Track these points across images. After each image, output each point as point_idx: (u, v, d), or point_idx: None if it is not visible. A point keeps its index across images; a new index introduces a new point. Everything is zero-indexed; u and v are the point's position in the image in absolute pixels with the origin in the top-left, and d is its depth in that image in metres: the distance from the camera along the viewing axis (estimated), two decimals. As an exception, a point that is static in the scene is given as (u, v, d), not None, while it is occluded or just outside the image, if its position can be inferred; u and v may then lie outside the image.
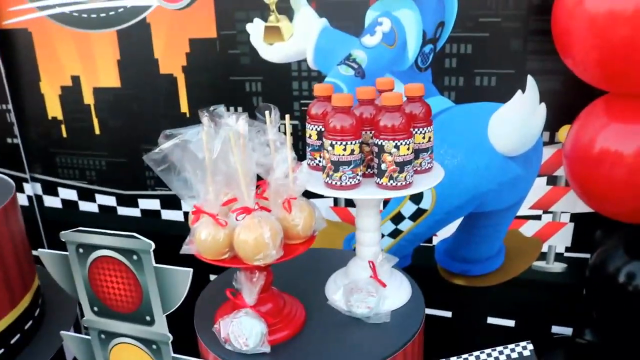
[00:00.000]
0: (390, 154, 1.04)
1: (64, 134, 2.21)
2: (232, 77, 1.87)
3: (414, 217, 1.84)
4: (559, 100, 1.58)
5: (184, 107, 1.98)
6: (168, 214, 2.14)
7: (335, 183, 1.08)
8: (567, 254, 1.75)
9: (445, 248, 1.86)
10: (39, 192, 2.36)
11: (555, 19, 1.36)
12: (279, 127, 1.10)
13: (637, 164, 1.34)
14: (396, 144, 1.03)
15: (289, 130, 1.06)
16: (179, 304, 1.09)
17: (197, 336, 1.20)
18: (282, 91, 1.82)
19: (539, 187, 1.70)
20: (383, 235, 1.88)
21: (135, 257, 1.09)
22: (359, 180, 1.09)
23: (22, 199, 2.40)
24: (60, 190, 2.32)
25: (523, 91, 1.58)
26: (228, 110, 1.07)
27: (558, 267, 1.77)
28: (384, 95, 1.04)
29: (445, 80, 1.66)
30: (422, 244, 1.88)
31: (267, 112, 1.07)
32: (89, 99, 2.11)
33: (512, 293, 1.84)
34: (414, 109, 1.12)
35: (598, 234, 1.68)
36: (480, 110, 1.66)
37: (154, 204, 2.15)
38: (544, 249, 1.76)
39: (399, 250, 1.89)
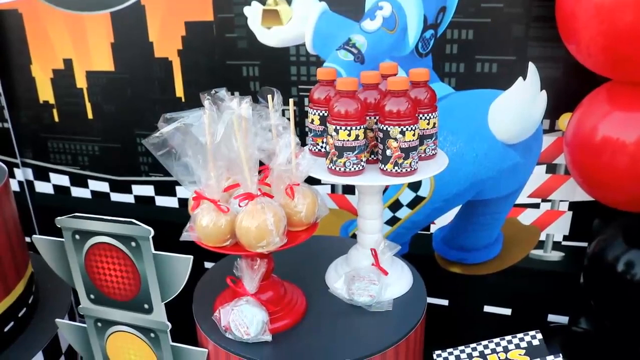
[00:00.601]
0: (396, 139, 1.02)
1: (56, 119, 2.16)
2: (228, 62, 1.83)
3: (412, 204, 1.83)
4: (559, 87, 1.57)
5: (179, 92, 1.94)
6: (162, 201, 2.11)
7: (339, 169, 1.06)
8: (564, 243, 1.75)
9: (443, 236, 1.86)
10: (30, 177, 2.32)
11: (560, 4, 1.34)
12: (282, 112, 1.07)
13: (639, 152, 1.33)
14: (402, 129, 1.01)
15: (292, 114, 1.03)
16: (178, 292, 1.07)
17: (196, 324, 1.18)
18: (280, 76, 1.79)
19: (538, 175, 1.69)
20: (380, 223, 1.87)
21: (133, 243, 1.07)
22: (363, 166, 1.07)
23: (13, 185, 2.34)
24: (52, 175, 2.28)
25: (524, 78, 1.56)
26: (232, 94, 1.03)
27: (555, 255, 1.77)
28: (390, 79, 1.02)
29: (446, 66, 1.64)
30: (419, 232, 1.87)
31: (269, 96, 1.04)
32: (81, 82, 2.07)
33: (509, 281, 1.84)
34: (418, 94, 1.10)
35: (596, 222, 1.68)
36: (481, 97, 1.64)
37: (148, 190, 2.12)
38: (542, 237, 1.76)
39: (396, 238, 1.88)
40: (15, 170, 2.32)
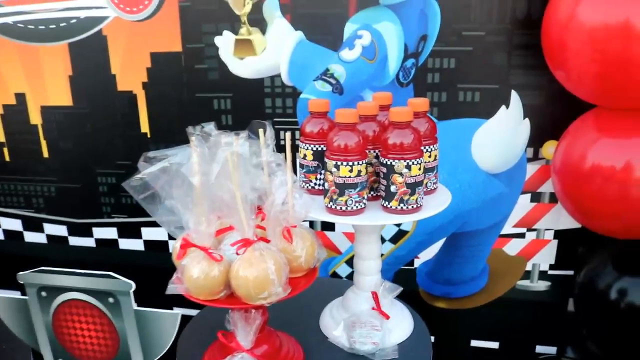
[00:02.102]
0: (401, 174, 0.95)
1: (7, 158, 2.00)
2: (198, 94, 1.74)
3: (394, 239, 1.76)
4: (543, 115, 1.55)
5: (145, 127, 1.82)
6: (127, 243, 1.96)
7: (340, 208, 0.97)
8: (550, 272, 1.72)
9: (427, 270, 1.79)
10: (-23, 223, 2.13)
11: (547, 32, 1.32)
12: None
13: (629, 179, 1.31)
14: (407, 163, 0.95)
15: (289, 150, 0.95)
16: (164, 352, 0.95)
17: (182, 386, 1.06)
18: (254, 109, 1.71)
19: (523, 205, 1.66)
20: (363, 259, 1.79)
21: (111, 299, 0.95)
22: (364, 204, 0.99)
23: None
24: (2, 220, 2.09)
25: (507, 107, 1.54)
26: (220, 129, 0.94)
27: (542, 285, 1.74)
28: (393, 110, 0.96)
29: (428, 95, 1.60)
30: (403, 267, 1.80)
31: (260, 131, 0.96)
32: (35, 118, 1.92)
33: (496, 314, 1.79)
34: (419, 125, 1.04)
35: (582, 250, 1.65)
36: (464, 127, 1.61)
37: (110, 233, 1.97)
38: (528, 267, 1.72)
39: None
40: (-40, 215, 2.12)
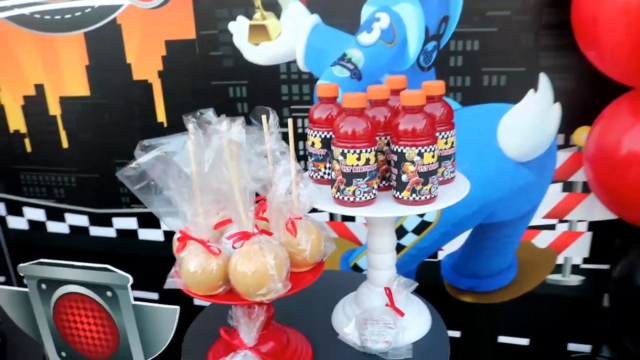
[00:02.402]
0: (413, 162, 0.88)
1: (28, 149, 2.01)
2: (213, 82, 1.69)
3: (417, 230, 1.69)
4: (574, 99, 1.46)
5: (161, 117, 1.80)
6: (147, 234, 1.95)
7: (348, 199, 0.91)
8: (584, 266, 1.62)
9: (452, 263, 1.72)
10: (3, 212, 2.15)
11: (577, 8, 1.23)
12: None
13: (669, 167, 1.21)
14: (419, 150, 0.88)
15: (291, 136, 0.89)
16: (164, 348, 0.92)
17: (186, 383, 1.02)
18: (270, 96, 1.65)
19: (554, 194, 1.57)
20: (384, 251, 1.72)
21: (109, 293, 0.91)
22: (374, 194, 0.93)
23: (-18, 222, 2.18)
24: (26, 210, 2.11)
25: (535, 90, 1.45)
26: (218, 115, 0.89)
27: (575, 279, 1.64)
28: (405, 93, 0.89)
29: (451, 80, 1.52)
30: (426, 259, 1.73)
31: (263, 117, 0.90)
32: (54, 109, 1.92)
33: (525, 309, 1.70)
34: (434, 110, 0.96)
35: (618, 242, 1.55)
36: (489, 113, 1.52)
37: (130, 223, 1.96)
38: (560, 260, 1.63)
39: (402, 267, 1.74)
40: (-15, 206, 2.15)
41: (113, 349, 0.96)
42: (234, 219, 0.83)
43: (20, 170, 2.05)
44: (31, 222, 2.12)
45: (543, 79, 1.44)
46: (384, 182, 0.98)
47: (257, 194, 0.92)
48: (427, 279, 1.74)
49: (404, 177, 0.90)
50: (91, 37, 1.78)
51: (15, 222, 2.15)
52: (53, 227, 2.09)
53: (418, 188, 0.90)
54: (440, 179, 1.00)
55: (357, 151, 0.88)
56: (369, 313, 1.03)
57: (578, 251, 1.60)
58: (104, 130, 1.88)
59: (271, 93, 1.65)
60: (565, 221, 1.59)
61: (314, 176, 1.04)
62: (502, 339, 1.76)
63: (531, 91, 1.45)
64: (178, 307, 0.87)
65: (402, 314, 1.03)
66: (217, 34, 1.64)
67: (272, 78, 1.63)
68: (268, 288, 0.81)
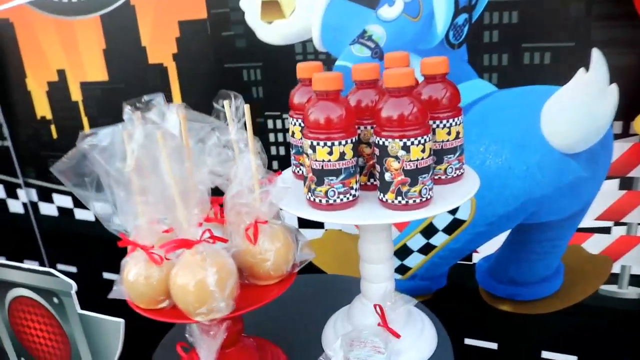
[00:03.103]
0: (397, 158, 0.72)
1: (54, 135, 1.98)
2: (227, 65, 1.57)
3: (449, 229, 1.51)
4: (634, 80, 1.22)
5: (177, 101, 1.70)
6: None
7: (319, 200, 0.76)
8: (645, 277, 1.38)
9: (488, 267, 1.52)
10: (34, 198, 2.15)
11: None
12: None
13: None
14: (405, 143, 0.71)
15: (249, 125, 0.75)
16: (115, 362, 0.81)
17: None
18: (286, 79, 1.50)
19: (609, 192, 1.33)
20: (412, 252, 1.56)
21: (56, 299, 0.82)
22: (354, 195, 0.77)
23: (17, 207, 2.20)
24: (55, 196, 2.10)
25: (587, 69, 1.22)
26: (171, 101, 0.76)
27: (633, 292, 1.41)
28: (387, 72, 0.72)
29: (485, 58, 1.32)
30: (459, 262, 1.54)
31: (225, 102, 0.77)
32: (76, 95, 1.88)
33: (573, 323, 1.49)
34: (434, 92, 0.79)
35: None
36: (531, 96, 1.32)
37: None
38: (615, 269, 1.39)
39: (431, 269, 1.57)
40: (19, 191, 2.16)
41: (66, 358, 0.86)
42: (172, 222, 0.70)
43: (47, 157, 2.04)
44: (60, 209, 2.11)
45: (596, 56, 1.21)
46: (371, 180, 0.82)
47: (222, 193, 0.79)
48: (460, 283, 1.56)
49: (387, 176, 0.73)
50: (107, 20, 1.71)
51: (47, 209, 2.15)
52: (80, 214, 2.07)
53: (404, 190, 0.73)
54: (442, 177, 0.82)
55: (329, 144, 0.72)
56: (357, 332, 0.88)
57: (638, 259, 1.37)
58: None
59: (287, 76, 1.50)
60: (623, 224, 1.35)
61: (297, 171, 0.90)
62: (547, 355, 1.55)
63: (581, 70, 1.23)
64: (123, 320, 0.76)
65: (397, 336, 0.87)
66: (228, 12, 1.51)
67: (287, 59, 1.50)
68: (209, 307, 0.68)
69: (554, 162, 1.33)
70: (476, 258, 1.53)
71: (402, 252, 1.57)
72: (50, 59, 1.87)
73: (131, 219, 0.73)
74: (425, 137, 0.72)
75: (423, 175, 0.73)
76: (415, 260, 1.57)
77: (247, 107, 0.74)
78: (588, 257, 1.42)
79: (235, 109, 0.76)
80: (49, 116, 1.97)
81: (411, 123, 0.71)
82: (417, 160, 0.72)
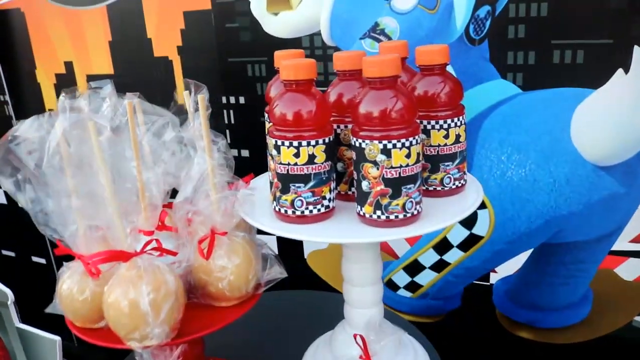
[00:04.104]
0: (376, 163, 0.59)
1: (63, 129, 1.93)
2: (231, 59, 1.48)
3: (464, 245, 1.37)
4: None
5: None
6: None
7: (285, 211, 0.64)
8: (687, 309, 1.22)
9: (507, 289, 1.39)
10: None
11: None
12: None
13: None
14: (385, 145, 0.58)
15: (204, 119, 0.64)
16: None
17: None
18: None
19: (647, 212, 1.18)
20: (423, 268, 1.43)
21: (-7, 311, 0.72)
22: (328, 206, 0.65)
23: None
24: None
25: (626, 71, 1.08)
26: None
27: (673, 325, 1.24)
28: (366, 59, 0.60)
29: (509, 56, 1.20)
30: (476, 282, 1.40)
31: (185, 93, 0.66)
32: (83, 88, 1.81)
33: (602, 355, 1.33)
34: (430, 86, 0.66)
35: None
36: (560, 100, 1.19)
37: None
38: (653, 299, 1.24)
39: (444, 288, 1.44)
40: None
41: (9, 376, 0.77)
42: (107, 233, 0.60)
43: (56, 151, 2.00)
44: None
45: (637, 55, 1.06)
46: (352, 188, 0.69)
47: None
48: (475, 305, 1.43)
49: (364, 185, 0.61)
50: (113, 11, 1.65)
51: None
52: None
53: (384, 202, 0.60)
54: (438, 188, 0.69)
55: (295, 144, 0.61)
56: (336, 364, 0.76)
57: (679, 289, 1.21)
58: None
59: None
60: (663, 248, 1.20)
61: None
62: (571, 390, 1.39)
63: (620, 71, 1.08)
64: (59, 338, 0.66)
65: (382, 371, 0.75)
66: (233, 2, 1.42)
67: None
68: (141, 332, 0.57)
69: (585, 176, 1.19)
70: (494, 278, 1.40)
71: (413, 268, 1.44)
72: (58, 50, 1.83)
73: (69, 224, 0.63)
74: (411, 139, 0.59)
75: (408, 186, 0.60)
76: (427, 278, 1.44)
77: (201, 98, 0.63)
78: (621, 283, 1.27)
79: (192, 101, 0.65)
80: (56, 109, 1.92)
81: (395, 121, 0.58)
82: (400, 167, 0.59)
